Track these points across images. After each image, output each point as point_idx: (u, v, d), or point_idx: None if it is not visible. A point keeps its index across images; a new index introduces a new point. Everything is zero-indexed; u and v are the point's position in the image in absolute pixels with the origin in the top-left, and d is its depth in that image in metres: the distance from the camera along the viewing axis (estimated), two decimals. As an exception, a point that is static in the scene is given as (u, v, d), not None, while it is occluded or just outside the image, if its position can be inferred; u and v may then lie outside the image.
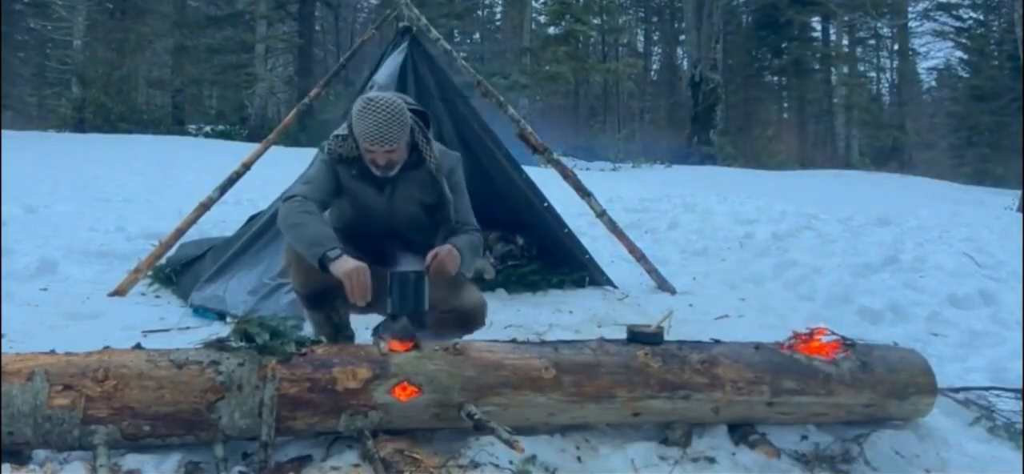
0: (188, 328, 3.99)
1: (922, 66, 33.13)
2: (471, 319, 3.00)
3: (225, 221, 6.31)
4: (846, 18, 27.40)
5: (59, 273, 5.09)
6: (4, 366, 2.29)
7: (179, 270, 4.89)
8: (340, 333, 3.05)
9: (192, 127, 24.11)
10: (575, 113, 30.92)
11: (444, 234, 2.99)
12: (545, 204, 5.39)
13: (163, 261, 4.95)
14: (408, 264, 2.87)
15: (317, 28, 28.46)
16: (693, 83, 25.11)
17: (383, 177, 2.87)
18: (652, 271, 5.39)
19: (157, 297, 4.72)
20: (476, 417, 2.44)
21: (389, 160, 2.81)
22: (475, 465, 2.43)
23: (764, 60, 32.77)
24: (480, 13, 30.93)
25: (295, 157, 9.22)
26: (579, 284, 5.37)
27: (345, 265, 2.63)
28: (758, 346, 2.92)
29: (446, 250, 2.82)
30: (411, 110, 2.86)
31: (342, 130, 2.90)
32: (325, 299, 2.90)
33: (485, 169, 5.34)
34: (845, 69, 31.33)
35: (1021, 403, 3.22)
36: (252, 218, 5.29)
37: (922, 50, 32.28)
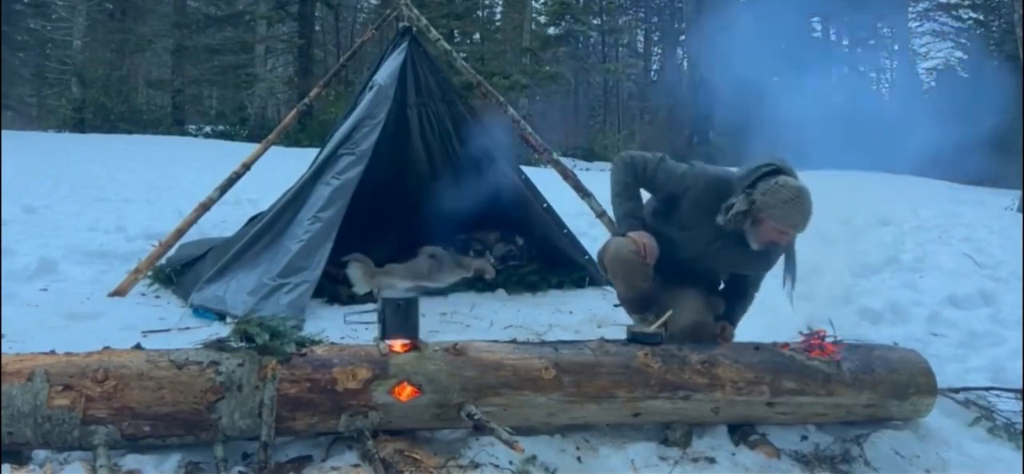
0: (188, 328, 3.99)
1: (922, 66, 33.10)
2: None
3: (225, 221, 6.30)
4: (846, 18, 27.38)
5: (59, 273, 5.09)
6: (4, 366, 2.29)
7: (179, 270, 4.88)
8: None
9: (192, 127, 24.04)
10: (575, 113, 30.88)
11: (733, 300, 3.34)
12: (545, 205, 5.39)
13: (163, 261, 4.94)
14: (688, 292, 3.18)
15: (317, 28, 28.42)
16: (693, 83, 25.10)
17: (735, 237, 3.04)
18: (652, 271, 5.38)
19: (157, 297, 4.71)
20: (476, 417, 2.44)
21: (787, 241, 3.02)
22: (475, 465, 2.43)
23: (764, 60, 32.72)
24: (480, 13, 30.82)
25: (295, 158, 9.23)
26: (579, 284, 5.37)
27: (639, 232, 3.08)
28: (758, 346, 2.93)
29: (730, 333, 3.24)
30: None
31: (742, 205, 2.95)
32: (643, 306, 3.19)
33: (484, 170, 5.34)
34: (845, 69, 31.32)
35: (1021, 403, 3.22)
36: (252, 218, 5.28)
37: (922, 50, 32.26)
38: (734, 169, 3.19)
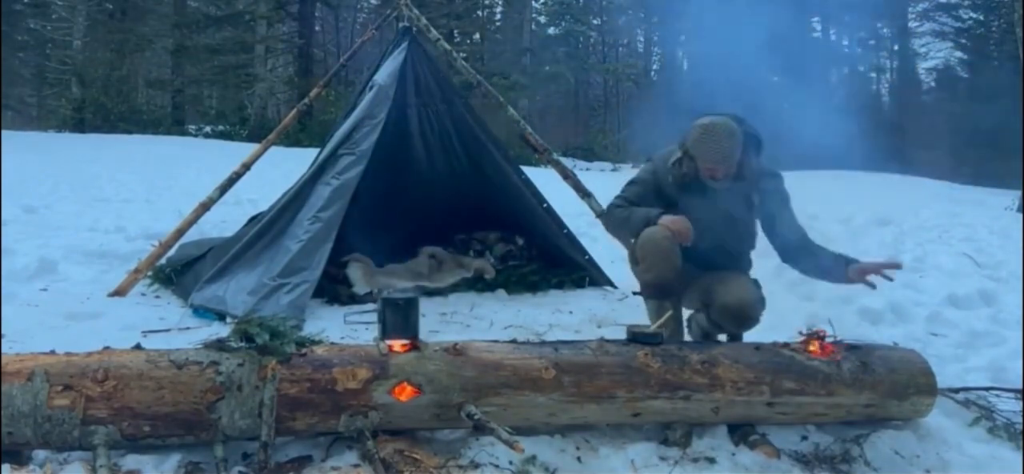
0: (188, 328, 3.99)
1: (922, 66, 33.12)
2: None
3: (225, 221, 6.31)
4: (846, 18, 27.41)
5: (59, 273, 5.09)
6: (4, 366, 2.29)
7: (179, 270, 4.88)
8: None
9: (192, 127, 24.06)
10: (575, 113, 30.88)
11: (810, 250, 3.31)
12: (545, 205, 5.39)
13: (163, 261, 4.95)
14: (724, 264, 3.30)
15: (317, 28, 28.46)
16: (693, 83, 25.09)
17: (707, 186, 3.19)
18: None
19: (157, 297, 4.71)
20: (476, 417, 2.44)
21: (724, 174, 3.15)
22: (475, 465, 2.43)
23: (764, 60, 32.71)
24: (480, 13, 30.84)
25: (295, 158, 9.23)
26: (579, 284, 5.36)
27: (670, 217, 3.14)
28: (758, 346, 2.93)
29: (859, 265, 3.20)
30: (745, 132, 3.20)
31: (676, 154, 3.22)
32: (663, 292, 3.25)
33: (484, 170, 5.34)
34: (845, 69, 31.39)
35: (1021, 403, 3.22)
36: (252, 218, 5.29)
37: (922, 50, 32.27)
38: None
